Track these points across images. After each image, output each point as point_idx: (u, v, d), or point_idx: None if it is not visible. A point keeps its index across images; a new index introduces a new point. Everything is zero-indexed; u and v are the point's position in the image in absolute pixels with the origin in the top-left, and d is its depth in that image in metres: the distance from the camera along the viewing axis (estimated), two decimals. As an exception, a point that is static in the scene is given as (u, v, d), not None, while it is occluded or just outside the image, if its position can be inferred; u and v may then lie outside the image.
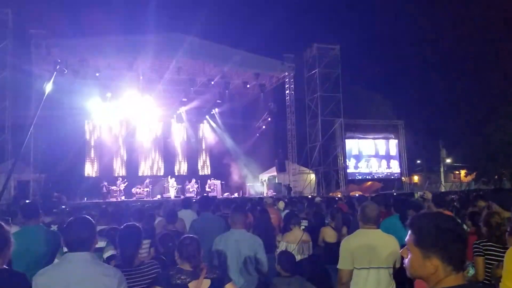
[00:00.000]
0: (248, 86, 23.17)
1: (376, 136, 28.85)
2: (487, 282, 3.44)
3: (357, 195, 16.27)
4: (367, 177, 28.54)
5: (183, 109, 24.76)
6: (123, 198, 20.35)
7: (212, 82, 22.39)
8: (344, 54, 25.43)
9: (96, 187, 21.09)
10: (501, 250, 3.33)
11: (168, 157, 25.57)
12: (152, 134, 25.40)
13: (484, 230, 3.68)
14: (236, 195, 22.79)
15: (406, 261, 1.61)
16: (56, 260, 3.57)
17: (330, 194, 23.66)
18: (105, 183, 20.97)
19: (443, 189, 28.58)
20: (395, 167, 29.09)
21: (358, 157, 28.20)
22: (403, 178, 29.61)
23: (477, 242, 3.64)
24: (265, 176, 26.77)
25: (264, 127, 26.03)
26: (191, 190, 22.04)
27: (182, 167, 26.03)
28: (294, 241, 5.29)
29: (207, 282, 2.88)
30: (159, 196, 21.22)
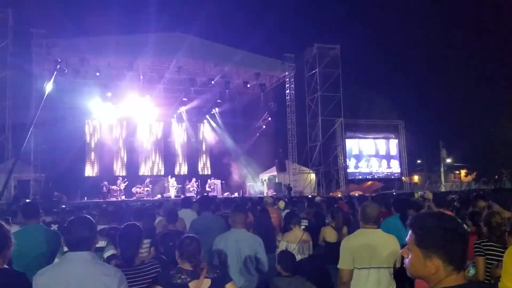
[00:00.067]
0: (248, 85, 23.18)
1: (376, 136, 28.85)
2: (487, 282, 3.44)
3: (357, 195, 16.27)
4: (368, 177, 28.53)
5: (183, 109, 24.78)
6: (123, 197, 20.36)
7: (213, 82, 22.38)
8: (344, 54, 25.46)
9: (97, 186, 21.10)
10: (501, 250, 3.33)
11: (168, 157, 25.58)
12: (152, 134, 25.41)
13: (485, 230, 3.67)
14: (236, 194, 22.79)
15: (406, 261, 1.61)
16: (56, 260, 3.57)
17: (330, 194, 23.66)
18: (105, 183, 20.99)
19: (443, 189, 28.54)
20: (395, 167, 29.09)
21: (358, 157, 28.19)
22: (403, 178, 29.61)
23: (477, 242, 3.63)
24: (265, 176, 26.77)
25: (264, 126, 26.02)
26: (191, 189, 22.06)
27: (182, 167, 26.04)
28: (294, 241, 5.29)
29: (208, 281, 2.88)
30: (159, 196, 21.22)
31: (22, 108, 19.66)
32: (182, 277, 2.85)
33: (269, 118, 25.43)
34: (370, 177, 28.60)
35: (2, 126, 19.53)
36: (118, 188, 21.09)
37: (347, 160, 27.26)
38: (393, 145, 29.23)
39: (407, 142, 29.47)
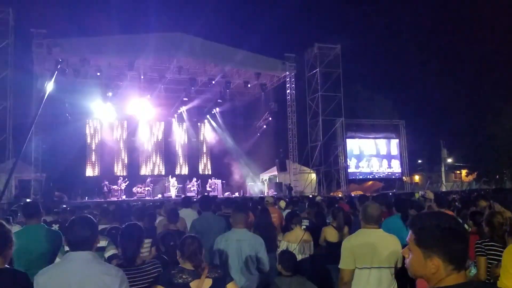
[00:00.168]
0: (249, 85, 23.17)
1: (377, 136, 28.84)
2: (488, 281, 3.44)
3: (357, 195, 16.26)
4: (368, 176, 28.52)
5: (184, 109, 24.78)
6: (124, 197, 20.37)
7: (213, 82, 22.37)
8: (345, 54, 25.48)
9: (97, 186, 21.12)
10: (502, 250, 3.32)
11: (169, 157, 25.59)
12: (153, 134, 25.43)
13: (486, 230, 3.67)
14: (236, 194, 22.79)
15: (407, 261, 1.61)
16: (57, 259, 3.57)
17: (331, 193, 23.66)
18: (106, 183, 21.01)
19: (444, 189, 28.55)
20: (396, 167, 29.07)
21: (359, 157, 28.18)
22: (404, 177, 29.59)
23: (479, 241, 3.63)
24: (266, 176, 26.77)
25: (265, 126, 26.01)
26: (191, 189, 22.07)
27: (183, 167, 26.05)
28: (295, 241, 5.29)
29: (209, 281, 2.88)
30: (160, 196, 21.24)
31: (22, 108, 19.72)
32: (183, 276, 2.85)
33: (270, 118, 25.41)
34: (371, 177, 28.59)
35: (3, 126, 19.56)
36: (119, 188, 21.10)
37: (348, 160, 27.25)
38: (394, 145, 29.22)
39: (408, 142, 29.47)
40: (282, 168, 24.58)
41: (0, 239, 2.45)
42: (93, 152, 24.04)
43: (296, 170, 24.51)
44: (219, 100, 24.01)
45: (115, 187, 21.07)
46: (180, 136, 26.06)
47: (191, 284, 2.84)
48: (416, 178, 39.54)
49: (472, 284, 1.75)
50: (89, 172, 23.73)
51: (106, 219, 5.40)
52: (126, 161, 24.63)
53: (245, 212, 4.31)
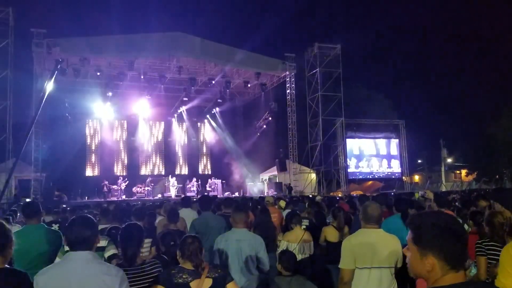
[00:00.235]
0: (249, 85, 23.16)
1: (377, 136, 28.85)
2: (488, 281, 3.43)
3: (357, 194, 16.25)
4: (368, 176, 28.53)
5: (183, 108, 24.77)
6: (123, 197, 20.37)
7: (213, 81, 22.36)
8: (345, 54, 25.47)
9: (97, 186, 21.12)
10: (502, 249, 3.32)
11: (169, 157, 25.59)
12: (152, 133, 25.42)
13: (487, 229, 3.66)
14: (236, 194, 22.78)
15: (407, 259, 1.61)
16: (57, 259, 3.57)
17: (331, 193, 23.66)
18: (106, 182, 21.01)
19: (444, 189, 28.54)
20: (396, 167, 29.08)
21: (359, 157, 28.19)
22: (404, 177, 29.61)
23: (479, 241, 3.62)
24: (265, 176, 26.77)
25: (265, 126, 26.01)
26: (191, 189, 22.06)
27: (182, 167, 26.04)
28: (295, 241, 5.29)
29: (209, 281, 2.88)
30: (160, 195, 21.24)
31: (22, 108, 19.74)
32: (184, 276, 2.85)
33: (270, 118, 25.40)
34: (370, 177, 28.60)
35: (3, 126, 19.55)
36: (119, 188, 21.11)
37: (348, 160, 27.25)
38: (394, 145, 29.23)
39: (408, 142, 29.51)
40: (282, 168, 24.58)
41: (0, 238, 2.45)
42: (93, 152, 24.04)
43: (296, 170, 24.52)
44: (219, 100, 24.00)
45: (115, 187, 21.07)
46: (180, 136, 26.05)
47: (191, 284, 2.84)
48: (416, 178, 39.56)
49: (471, 284, 1.75)
50: (89, 172, 23.73)
51: (106, 219, 5.39)
52: (126, 161, 24.63)
53: (245, 212, 4.30)
